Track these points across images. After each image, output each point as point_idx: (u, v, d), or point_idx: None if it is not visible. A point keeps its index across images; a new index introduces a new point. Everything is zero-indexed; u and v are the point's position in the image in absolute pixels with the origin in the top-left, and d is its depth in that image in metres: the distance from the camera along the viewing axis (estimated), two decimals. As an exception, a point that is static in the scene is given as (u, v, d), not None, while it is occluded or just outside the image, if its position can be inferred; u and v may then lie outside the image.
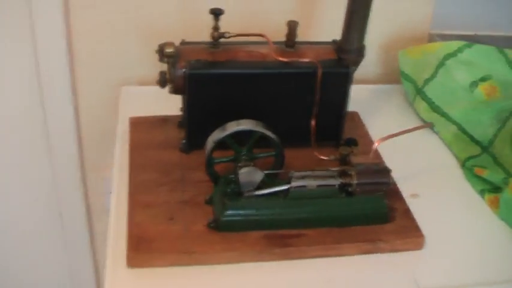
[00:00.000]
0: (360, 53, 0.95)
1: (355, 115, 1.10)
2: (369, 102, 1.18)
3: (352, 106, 1.09)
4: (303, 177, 0.84)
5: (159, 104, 1.00)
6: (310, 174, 0.84)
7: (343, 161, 0.87)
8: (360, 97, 1.17)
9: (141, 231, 0.82)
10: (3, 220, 1.37)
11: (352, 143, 0.93)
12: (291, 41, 0.94)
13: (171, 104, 0.98)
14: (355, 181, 0.84)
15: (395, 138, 0.95)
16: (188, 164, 0.93)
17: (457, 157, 1.04)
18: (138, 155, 0.96)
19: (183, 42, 0.94)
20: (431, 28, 1.25)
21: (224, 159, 0.86)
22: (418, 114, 1.13)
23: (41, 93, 1.18)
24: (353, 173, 0.84)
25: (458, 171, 1.02)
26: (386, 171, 0.86)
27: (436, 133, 1.10)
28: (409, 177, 0.99)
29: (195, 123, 0.92)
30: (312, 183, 0.84)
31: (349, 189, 0.85)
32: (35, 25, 1.12)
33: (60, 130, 1.23)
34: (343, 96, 0.95)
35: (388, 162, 0.97)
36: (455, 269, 0.84)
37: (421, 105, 1.11)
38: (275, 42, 0.94)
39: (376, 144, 0.85)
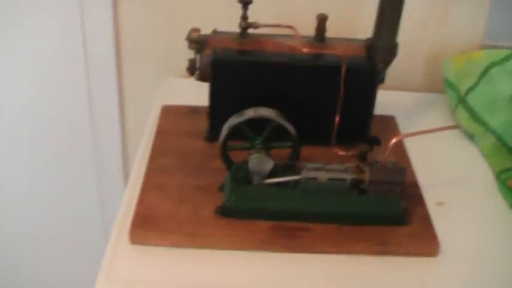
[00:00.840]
0: (391, 51, 0.93)
1: (390, 119, 1.07)
2: (409, 109, 1.15)
3: (390, 111, 1.09)
4: (314, 169, 0.83)
5: (195, 95, 1.01)
6: (323, 167, 0.83)
7: (362, 158, 0.85)
8: (401, 103, 1.15)
9: (148, 210, 0.82)
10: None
11: (374, 141, 0.91)
12: (320, 35, 0.93)
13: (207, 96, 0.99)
14: (367, 178, 0.82)
15: (431, 146, 0.98)
16: (210, 153, 0.93)
17: (493, 169, 1.00)
18: (163, 140, 0.97)
19: (214, 32, 0.95)
20: (485, 39, 1.21)
21: (238, 147, 0.86)
22: (458, 123, 1.09)
23: (88, 82, 1.22)
24: (366, 169, 0.82)
25: (492, 183, 0.98)
26: (401, 171, 0.83)
27: (476, 144, 1.06)
28: (438, 185, 0.95)
29: (218, 112, 0.92)
30: (323, 175, 0.82)
31: (362, 186, 0.83)
32: (84, 16, 1.15)
33: (105, 120, 1.26)
34: (369, 94, 0.93)
35: (419, 169, 0.96)
36: (468, 282, 0.80)
37: (463, 114, 1.08)
38: (305, 36, 0.93)
39: (393, 140, 0.82)
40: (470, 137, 1.07)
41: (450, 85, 1.12)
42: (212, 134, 0.94)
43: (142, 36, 1.21)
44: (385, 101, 1.08)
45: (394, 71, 1.16)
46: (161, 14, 1.18)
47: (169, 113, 1.04)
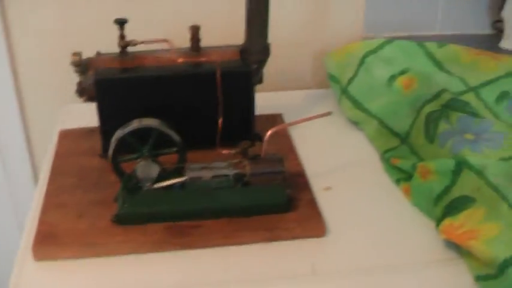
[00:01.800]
0: (263, 52, 1.00)
1: (278, 117, 1.14)
2: (298, 106, 1.22)
3: (279, 110, 1.15)
4: (198, 169, 0.88)
5: (93, 118, 1.05)
6: (206, 166, 0.89)
7: (244, 154, 0.91)
8: (290, 101, 1.22)
9: (49, 227, 0.87)
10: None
11: (256, 137, 0.97)
12: (195, 45, 0.99)
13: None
14: (248, 171, 0.88)
15: (318, 137, 1.07)
16: (106, 169, 0.97)
17: (378, 151, 1.07)
18: (61, 162, 1.02)
19: (97, 53, 1.00)
20: (366, 31, 1.29)
21: (126, 158, 0.91)
22: (345, 115, 1.16)
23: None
24: (246, 163, 0.88)
25: (379, 164, 1.05)
26: (279, 161, 0.89)
27: (362, 131, 1.13)
28: (326, 172, 1.02)
29: (109, 129, 0.96)
30: (207, 174, 0.88)
31: (245, 179, 0.89)
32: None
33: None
34: (247, 95, 0.99)
35: (305, 158, 1.02)
36: (357, 255, 0.85)
37: (346, 104, 1.15)
38: (181, 48, 0.99)
39: (268, 133, 0.89)
40: (356, 124, 1.14)
41: (333, 78, 1.19)
42: (106, 150, 0.99)
43: (37, 66, 1.25)
44: (274, 102, 1.16)
45: (283, 72, 1.24)
46: (52, 43, 1.23)
47: (67, 136, 1.08)
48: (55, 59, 1.26)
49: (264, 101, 1.09)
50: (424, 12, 1.32)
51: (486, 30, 1.37)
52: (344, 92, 1.15)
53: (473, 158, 0.88)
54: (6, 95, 1.26)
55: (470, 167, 0.87)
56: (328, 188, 0.98)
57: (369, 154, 1.08)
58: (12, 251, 0.88)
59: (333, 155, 1.08)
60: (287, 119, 1.14)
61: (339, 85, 1.18)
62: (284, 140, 1.07)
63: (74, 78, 1.01)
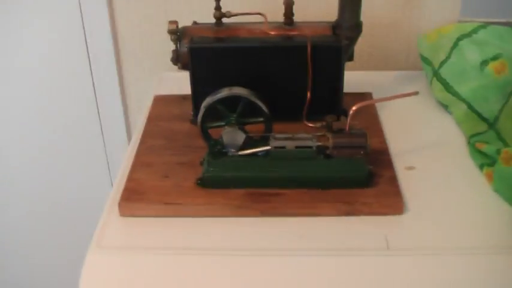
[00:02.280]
0: (355, 29, 1.01)
1: (367, 95, 1.14)
2: (389, 86, 1.21)
3: (370, 89, 1.15)
4: (283, 139, 0.91)
5: (186, 86, 1.09)
6: (290, 137, 0.91)
7: (328, 128, 0.93)
8: (382, 81, 1.22)
9: (136, 185, 0.91)
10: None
11: (342, 113, 0.98)
12: (288, 19, 1.01)
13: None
14: (331, 144, 0.89)
15: (406, 117, 1.07)
16: (194, 134, 1.01)
17: (465, 135, 1.06)
18: (153, 125, 1.06)
19: (193, 23, 1.04)
20: (461, 15, 1.27)
21: (214, 124, 0.94)
22: (435, 97, 1.16)
23: (92, 80, 1.34)
24: (329, 135, 0.90)
25: (464, 148, 1.04)
26: (363, 135, 0.90)
27: (450, 114, 1.12)
28: (410, 151, 1.02)
29: (200, 96, 0.99)
30: (290, 144, 0.90)
31: (327, 151, 0.90)
32: (84, 17, 1.26)
33: (110, 116, 1.38)
34: (337, 70, 1.00)
35: (392, 137, 1.02)
36: (432, 235, 0.85)
37: (437, 86, 1.14)
38: (274, 22, 1.01)
39: (354, 108, 0.90)
40: (445, 107, 1.13)
41: (425, 60, 1.18)
42: (196, 116, 1.03)
43: (137, 35, 1.31)
44: (365, 81, 1.16)
45: (376, 51, 1.24)
46: (150, 12, 1.28)
47: (161, 102, 1.13)
48: (153, 28, 1.31)
49: (355, 80, 1.10)
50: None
51: None
52: (435, 74, 1.15)
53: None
54: (107, 59, 1.32)
55: (558, 155, 0.85)
56: (410, 168, 0.98)
57: (455, 137, 1.07)
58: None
59: (419, 135, 1.07)
60: (377, 97, 1.14)
61: (430, 67, 1.17)
62: (371, 118, 1.08)
63: (170, 47, 1.06)
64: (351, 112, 0.90)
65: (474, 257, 0.82)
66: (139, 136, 1.04)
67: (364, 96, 1.13)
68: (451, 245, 0.83)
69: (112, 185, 1.47)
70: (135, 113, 1.41)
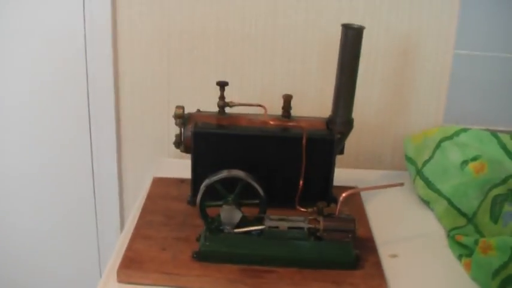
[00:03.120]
0: (347, 124, 1.09)
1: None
2: (374, 183, 1.29)
3: (357, 184, 1.23)
4: (276, 220, 0.97)
5: (184, 171, 1.16)
6: (284, 218, 0.97)
7: (319, 212, 0.99)
8: (367, 179, 1.29)
9: (135, 254, 0.96)
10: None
11: (332, 200, 1.05)
12: (286, 112, 1.09)
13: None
14: (322, 226, 0.96)
15: (390, 211, 1.15)
16: (192, 213, 1.08)
17: (445, 229, 1.13)
18: (152, 203, 1.12)
19: (197, 110, 1.12)
20: (444, 122, 1.37)
21: (214, 204, 1.00)
22: (417, 194, 1.23)
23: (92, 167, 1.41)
24: (320, 219, 0.96)
25: (444, 240, 1.10)
26: (351, 221, 0.97)
27: (432, 210, 1.19)
28: (394, 241, 1.08)
29: (199, 178, 1.05)
30: (283, 224, 0.96)
31: (318, 233, 0.96)
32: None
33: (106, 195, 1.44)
34: (329, 161, 1.08)
35: (376, 227, 1.09)
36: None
37: (419, 184, 1.22)
38: (274, 115, 1.10)
39: (344, 194, 0.97)
40: (427, 203, 1.21)
41: (409, 160, 1.27)
42: (195, 198, 1.09)
43: (139, 118, 1.40)
44: (354, 177, 1.24)
45: (365, 151, 1.33)
46: (154, 98, 1.38)
47: (160, 183, 1.20)
48: (156, 113, 1.39)
49: (343, 176, 1.18)
50: (502, 108, 1.39)
51: None
52: (418, 172, 1.23)
53: (533, 237, 0.93)
54: (108, 140, 1.40)
55: (530, 245, 0.92)
56: (394, 255, 1.04)
57: (436, 230, 1.14)
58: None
59: (402, 227, 1.14)
60: (363, 193, 1.21)
61: (414, 166, 1.25)
62: (358, 209, 1.15)
63: (170, 133, 1.13)
64: (341, 198, 0.97)
65: None
66: (138, 212, 1.09)
67: (351, 189, 1.20)
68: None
69: (100, 274, 1.51)
70: (131, 195, 1.47)
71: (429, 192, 1.20)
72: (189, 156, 1.10)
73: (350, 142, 1.18)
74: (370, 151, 1.41)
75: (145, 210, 1.10)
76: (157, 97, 1.39)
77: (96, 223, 1.49)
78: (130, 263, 0.95)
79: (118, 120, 1.40)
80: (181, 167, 1.18)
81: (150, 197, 1.15)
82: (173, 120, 1.09)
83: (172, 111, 1.09)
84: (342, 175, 1.16)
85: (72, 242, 1.54)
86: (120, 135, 1.41)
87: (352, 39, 1.05)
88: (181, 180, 1.19)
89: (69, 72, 1.37)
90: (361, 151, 1.41)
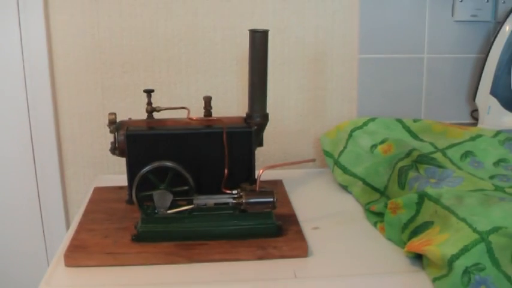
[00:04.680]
0: (262, 117, 1.22)
1: (278, 181, 1.35)
2: (298, 178, 1.42)
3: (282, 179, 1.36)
4: (204, 198, 1.09)
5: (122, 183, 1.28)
6: (210, 197, 1.09)
7: (243, 190, 1.11)
8: (292, 176, 1.43)
9: (80, 242, 1.06)
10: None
11: (253, 182, 1.17)
12: (207, 111, 1.23)
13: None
14: (244, 199, 1.08)
15: (315, 198, 1.29)
16: (131, 210, 1.18)
17: (361, 205, 1.26)
18: (93, 205, 1.23)
19: (129, 118, 1.25)
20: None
21: (148, 193, 1.11)
22: (336, 181, 1.37)
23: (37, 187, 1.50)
24: (243, 194, 1.08)
25: (362, 214, 1.23)
26: (270, 192, 1.09)
27: (350, 192, 1.33)
28: (316, 218, 1.20)
29: (134, 177, 1.16)
30: (211, 201, 1.08)
31: (241, 207, 1.08)
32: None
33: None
34: (249, 151, 1.20)
35: (300, 210, 1.21)
36: (334, 268, 1.02)
37: (337, 172, 1.35)
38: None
39: (260, 171, 1.09)
40: (345, 188, 1.34)
41: (327, 153, 1.41)
42: (132, 197, 1.20)
43: (78, 139, 1.52)
44: (277, 175, 1.37)
45: (287, 155, 1.47)
46: (91, 121, 1.50)
47: (100, 191, 1.30)
48: (94, 135, 1.51)
49: (269, 175, 1.27)
50: (409, 105, 1.55)
51: (467, 120, 1.59)
52: (336, 162, 1.36)
53: (431, 190, 1.07)
54: (50, 164, 1.50)
55: (430, 197, 1.05)
56: (316, 228, 1.16)
57: (354, 207, 1.26)
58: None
59: (323, 207, 1.26)
60: (287, 186, 1.34)
61: (332, 158, 1.39)
62: (282, 196, 1.27)
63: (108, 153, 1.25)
64: (260, 173, 1.09)
65: (372, 280, 0.99)
66: (81, 212, 1.20)
67: (276, 181, 1.33)
68: (352, 273, 1.01)
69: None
70: (73, 205, 1.57)
71: (346, 177, 1.33)
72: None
73: (273, 148, 1.31)
74: (293, 154, 1.54)
75: (88, 211, 1.20)
76: (94, 122, 1.51)
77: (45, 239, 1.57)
78: (76, 248, 1.04)
79: (59, 145, 1.51)
80: (120, 180, 1.29)
81: (91, 201, 1.25)
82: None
83: (110, 136, 1.21)
84: (267, 174, 1.26)
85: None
86: (62, 157, 1.52)
87: (258, 40, 1.19)
88: (120, 187, 1.30)
89: (9, 99, 1.48)
90: (284, 155, 1.54)
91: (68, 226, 1.56)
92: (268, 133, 1.31)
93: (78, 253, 1.03)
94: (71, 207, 1.56)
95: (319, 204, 1.29)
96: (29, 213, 1.55)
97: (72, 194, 1.55)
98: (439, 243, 0.94)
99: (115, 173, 1.49)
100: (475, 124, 1.51)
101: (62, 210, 1.55)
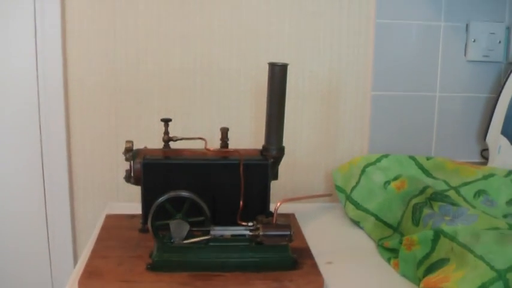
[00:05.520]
0: (279, 150, 1.23)
1: (291, 215, 1.35)
2: (310, 212, 1.43)
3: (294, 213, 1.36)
4: (220, 230, 1.09)
5: (134, 211, 1.27)
6: (227, 228, 1.09)
7: (259, 222, 1.11)
8: (304, 210, 1.43)
9: (94, 269, 1.06)
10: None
11: (269, 214, 1.18)
12: (224, 143, 1.23)
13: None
14: (261, 232, 1.08)
15: (327, 232, 1.28)
16: (145, 239, 1.18)
17: (374, 241, 1.26)
18: (106, 233, 1.23)
19: (145, 147, 1.25)
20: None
21: (164, 222, 1.11)
22: (347, 216, 1.37)
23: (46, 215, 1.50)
24: (260, 226, 1.08)
25: (374, 250, 1.23)
26: (287, 226, 1.09)
27: (362, 228, 1.33)
28: (329, 252, 1.20)
29: (149, 207, 1.15)
30: (227, 233, 1.08)
31: (258, 239, 1.08)
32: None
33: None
34: (265, 183, 1.21)
35: (313, 244, 1.21)
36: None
37: (349, 208, 1.36)
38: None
39: (278, 204, 1.09)
40: (357, 223, 1.34)
41: (339, 188, 1.41)
42: (146, 225, 1.19)
43: (90, 165, 1.52)
44: (290, 209, 1.37)
45: (301, 190, 1.48)
46: (104, 146, 1.50)
47: (112, 218, 1.30)
48: (105, 161, 1.51)
49: (281, 208, 1.28)
50: (420, 142, 1.56)
51: (476, 159, 1.60)
52: (348, 198, 1.37)
53: (447, 227, 1.07)
54: (60, 189, 1.50)
55: (445, 234, 1.05)
56: (329, 262, 1.16)
57: (367, 243, 1.26)
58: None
59: (336, 242, 1.26)
60: (300, 220, 1.35)
61: (344, 193, 1.39)
62: (295, 229, 1.26)
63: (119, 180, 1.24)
64: (277, 206, 1.09)
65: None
66: (94, 240, 1.19)
67: (288, 215, 1.34)
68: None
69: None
70: (82, 235, 1.56)
71: (358, 212, 1.34)
72: (137, 199, 1.20)
73: (285, 180, 1.31)
74: (303, 187, 1.55)
75: (100, 238, 1.20)
76: (105, 148, 1.51)
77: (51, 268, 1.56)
78: (90, 275, 1.04)
79: (70, 170, 1.51)
80: (132, 208, 1.29)
81: (104, 228, 1.25)
82: (122, 171, 1.20)
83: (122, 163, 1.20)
84: (279, 208, 1.27)
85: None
86: (72, 182, 1.52)
87: (278, 74, 1.20)
88: (132, 216, 1.30)
89: (22, 122, 1.49)
90: (296, 188, 1.55)
91: (74, 252, 1.55)
92: (279, 165, 1.31)
93: (93, 280, 1.03)
94: (79, 234, 1.55)
95: (332, 239, 1.29)
96: (36, 237, 1.55)
97: (80, 220, 1.55)
98: (457, 280, 0.95)
99: (125, 201, 1.49)
100: (484, 163, 1.52)
101: (70, 235, 1.54)
